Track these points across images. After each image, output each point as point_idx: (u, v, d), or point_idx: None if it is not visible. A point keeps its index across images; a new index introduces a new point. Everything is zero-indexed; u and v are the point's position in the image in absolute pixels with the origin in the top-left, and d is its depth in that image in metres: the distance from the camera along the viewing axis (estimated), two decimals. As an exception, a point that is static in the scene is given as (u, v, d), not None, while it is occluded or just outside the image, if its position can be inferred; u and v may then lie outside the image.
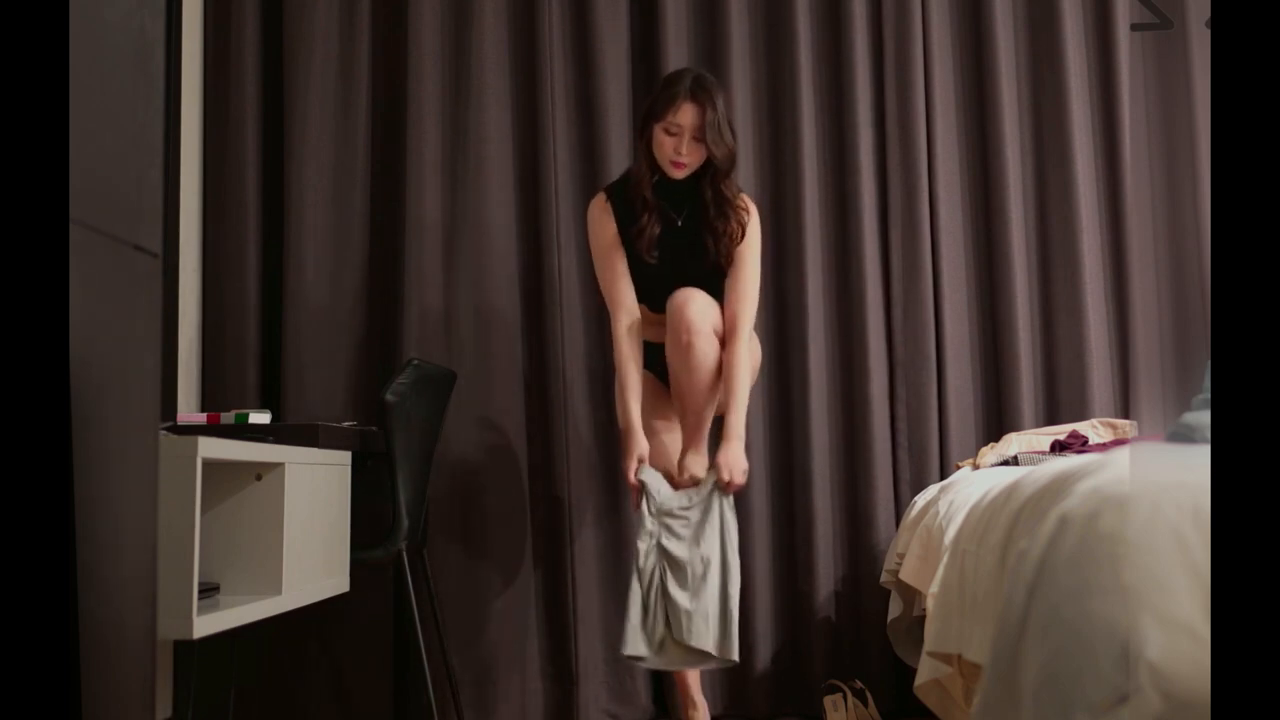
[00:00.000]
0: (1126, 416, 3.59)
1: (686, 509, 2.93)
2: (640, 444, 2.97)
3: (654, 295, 3.08)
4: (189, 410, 3.45)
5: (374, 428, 3.21)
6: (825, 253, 3.68)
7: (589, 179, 3.66)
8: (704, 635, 2.84)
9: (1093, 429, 3.38)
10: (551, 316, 3.58)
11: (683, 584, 2.87)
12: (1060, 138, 3.72)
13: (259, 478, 2.41)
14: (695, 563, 2.88)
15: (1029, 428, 3.57)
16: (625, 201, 3.06)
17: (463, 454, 3.54)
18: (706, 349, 2.93)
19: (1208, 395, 1.85)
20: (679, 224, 3.04)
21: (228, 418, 2.90)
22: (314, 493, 2.61)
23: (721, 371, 2.97)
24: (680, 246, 3.04)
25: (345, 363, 3.58)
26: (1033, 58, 3.79)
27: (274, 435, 2.72)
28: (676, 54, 3.67)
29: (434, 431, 3.22)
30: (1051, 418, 3.65)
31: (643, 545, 2.91)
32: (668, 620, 2.87)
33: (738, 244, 3.02)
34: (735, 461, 2.93)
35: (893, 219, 3.68)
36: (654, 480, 2.96)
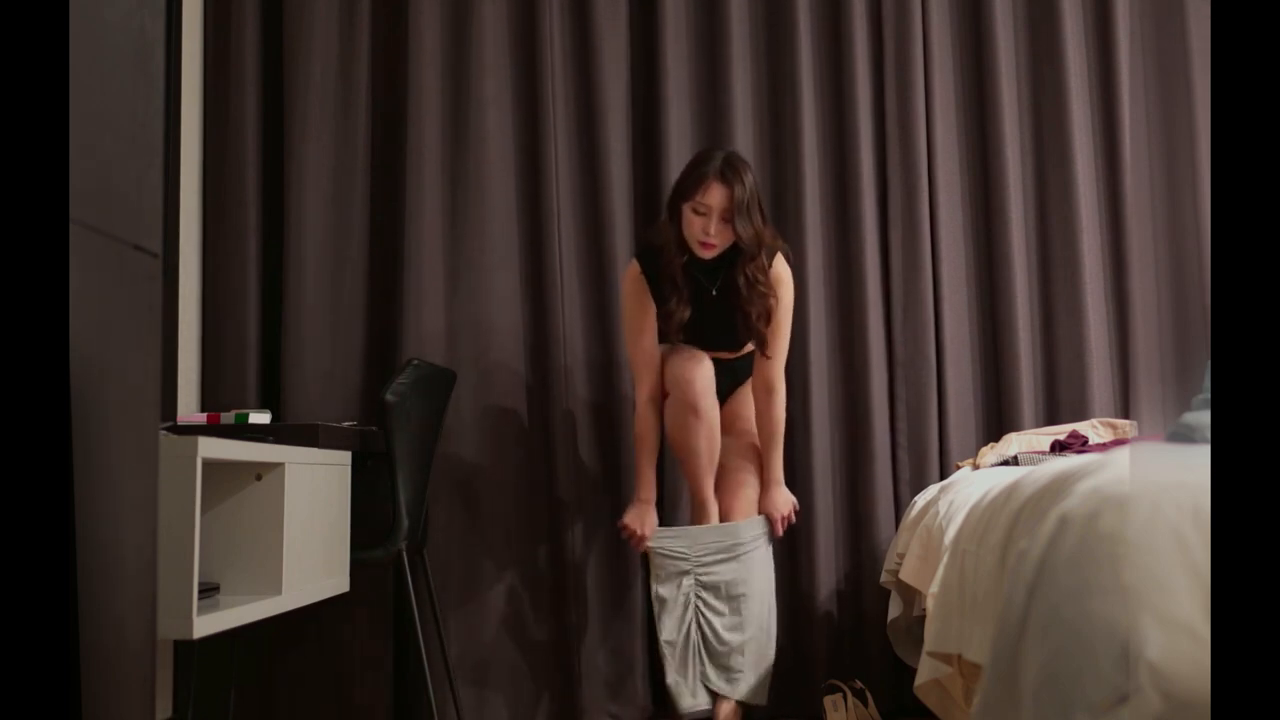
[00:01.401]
0: (1126, 416, 3.59)
1: (720, 556, 3.07)
2: (651, 520, 3.13)
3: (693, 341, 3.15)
4: (189, 410, 3.44)
5: (374, 428, 3.21)
6: (825, 253, 3.68)
7: (589, 178, 3.66)
8: (741, 686, 3.05)
9: (1093, 429, 3.38)
10: (552, 315, 3.58)
11: (727, 629, 3.04)
12: (1060, 138, 3.72)
13: (259, 478, 2.41)
14: (734, 608, 3.06)
15: (1029, 428, 3.57)
16: (656, 277, 3.06)
17: (463, 454, 3.54)
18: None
19: (1208, 395, 1.85)
20: (714, 293, 3.06)
21: (228, 418, 2.90)
22: (314, 493, 2.61)
23: (761, 424, 3.17)
24: (712, 320, 3.07)
25: (345, 363, 3.58)
26: (1033, 58, 3.79)
27: (274, 435, 2.72)
28: (676, 54, 3.67)
29: (434, 431, 3.22)
30: (1051, 418, 3.65)
31: (667, 600, 3.07)
32: (702, 660, 3.05)
33: (767, 325, 3.06)
34: (781, 504, 3.19)
35: (893, 219, 3.68)
36: (669, 543, 3.10)
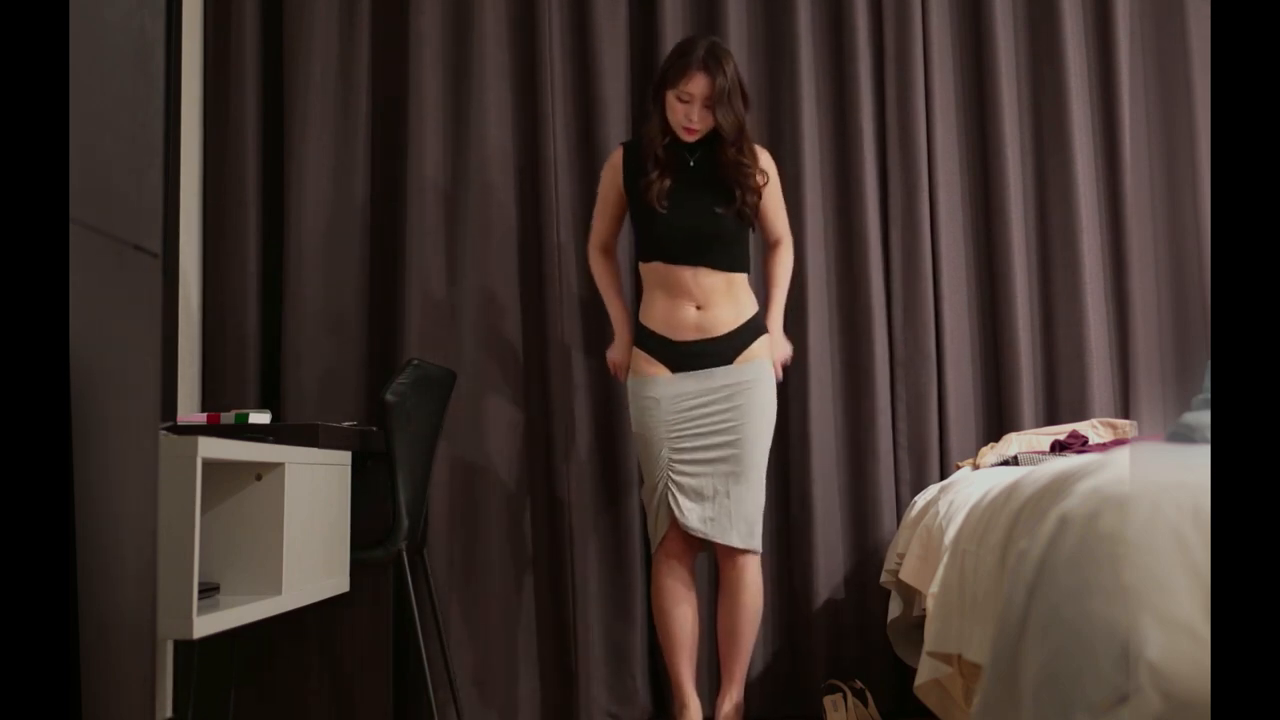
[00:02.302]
0: (1126, 416, 3.59)
1: (708, 398, 3.06)
2: (622, 356, 3.20)
3: (670, 247, 3.10)
4: (189, 410, 3.44)
5: (374, 428, 3.21)
6: (826, 253, 3.69)
7: (589, 178, 3.65)
8: (728, 531, 3.02)
9: (1093, 429, 3.38)
10: (553, 316, 3.58)
11: (715, 478, 3.02)
12: (1060, 138, 3.72)
13: (259, 478, 2.41)
14: (723, 456, 3.03)
15: (1029, 428, 3.57)
16: (639, 158, 3.14)
17: (463, 454, 3.54)
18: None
19: (1208, 395, 1.85)
20: (691, 164, 3.10)
21: (228, 418, 2.89)
22: (314, 493, 2.60)
23: (766, 270, 3.29)
24: (696, 197, 3.09)
25: (345, 363, 3.58)
26: (1033, 58, 3.79)
27: (274, 435, 2.72)
28: (676, 54, 3.67)
29: (434, 431, 3.23)
30: (1051, 418, 3.65)
31: (649, 440, 3.09)
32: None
33: (757, 201, 3.12)
34: (776, 349, 3.18)
35: (893, 219, 3.68)
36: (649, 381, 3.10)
